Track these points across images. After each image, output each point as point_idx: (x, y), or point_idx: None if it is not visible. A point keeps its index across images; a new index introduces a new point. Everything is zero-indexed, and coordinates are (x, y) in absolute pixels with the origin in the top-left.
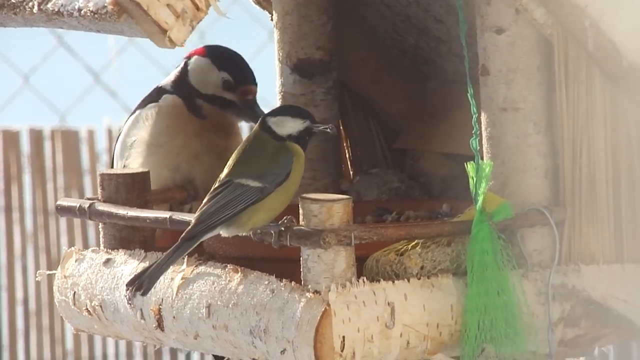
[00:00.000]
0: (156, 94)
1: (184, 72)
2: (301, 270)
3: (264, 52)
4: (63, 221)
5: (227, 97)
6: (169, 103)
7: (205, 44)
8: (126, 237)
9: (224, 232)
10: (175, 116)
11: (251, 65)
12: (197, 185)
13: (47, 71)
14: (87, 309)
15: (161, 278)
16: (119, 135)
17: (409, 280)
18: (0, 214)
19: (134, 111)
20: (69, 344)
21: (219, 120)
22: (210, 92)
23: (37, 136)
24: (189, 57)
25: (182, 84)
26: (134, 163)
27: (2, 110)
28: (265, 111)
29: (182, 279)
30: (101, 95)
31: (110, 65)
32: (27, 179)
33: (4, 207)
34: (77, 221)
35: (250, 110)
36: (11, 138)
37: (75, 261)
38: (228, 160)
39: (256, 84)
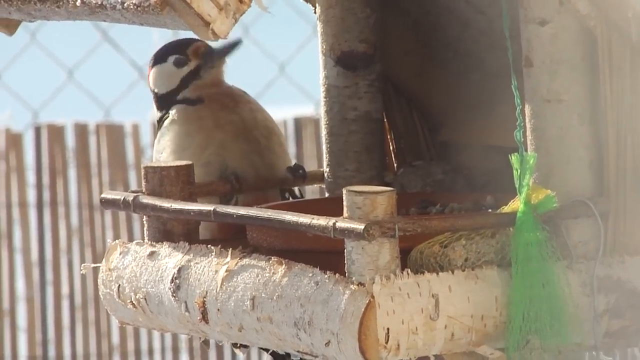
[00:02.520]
0: (164, 108)
1: (154, 94)
2: (345, 262)
3: (308, 46)
4: (108, 216)
5: (191, 69)
6: (178, 110)
7: (249, 38)
8: (170, 230)
9: None
10: (189, 119)
11: (295, 59)
12: (239, 175)
13: (92, 66)
14: (131, 301)
15: (205, 271)
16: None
17: (453, 272)
18: (45, 209)
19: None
20: (115, 338)
21: (216, 92)
22: (178, 82)
23: (82, 131)
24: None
25: (164, 99)
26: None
27: (47, 105)
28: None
29: (226, 271)
30: (146, 89)
31: None
32: (72, 173)
33: (49, 201)
34: (122, 215)
35: (210, 58)
36: (56, 133)
37: (120, 254)
38: (255, 139)
39: (200, 40)
